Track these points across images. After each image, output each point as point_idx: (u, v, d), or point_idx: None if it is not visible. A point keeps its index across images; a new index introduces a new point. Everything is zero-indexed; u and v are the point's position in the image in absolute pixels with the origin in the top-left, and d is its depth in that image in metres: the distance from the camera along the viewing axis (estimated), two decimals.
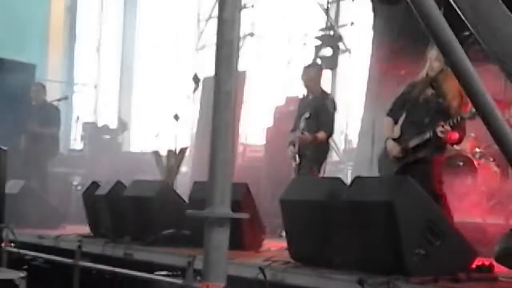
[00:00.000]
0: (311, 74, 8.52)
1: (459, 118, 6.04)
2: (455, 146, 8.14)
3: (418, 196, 4.73)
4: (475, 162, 8.68)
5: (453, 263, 4.67)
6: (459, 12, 2.23)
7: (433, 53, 6.29)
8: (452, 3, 2.26)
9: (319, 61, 12.42)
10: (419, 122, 6.31)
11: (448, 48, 2.45)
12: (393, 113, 6.55)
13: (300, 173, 8.19)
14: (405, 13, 10.07)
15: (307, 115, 8.19)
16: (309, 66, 9.03)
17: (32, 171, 10.53)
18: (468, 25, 2.25)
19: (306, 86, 8.55)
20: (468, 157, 8.75)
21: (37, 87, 11.11)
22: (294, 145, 8.33)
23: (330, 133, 8.33)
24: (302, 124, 8.22)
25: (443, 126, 6.00)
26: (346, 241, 4.90)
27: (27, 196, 9.39)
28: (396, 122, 6.49)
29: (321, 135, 8.13)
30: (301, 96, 8.82)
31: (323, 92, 8.57)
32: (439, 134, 6.03)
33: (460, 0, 2.21)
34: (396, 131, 6.45)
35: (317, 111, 8.16)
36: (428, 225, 4.64)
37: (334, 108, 8.40)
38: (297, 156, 8.27)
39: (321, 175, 8.26)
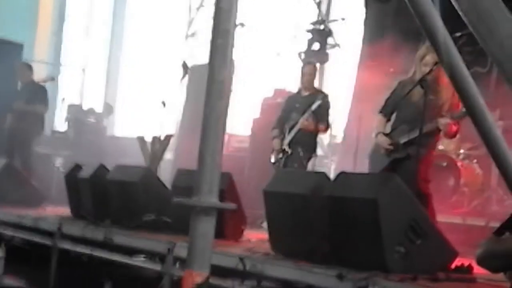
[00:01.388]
0: (308, 72, 8.68)
1: (451, 116, 6.06)
2: (439, 147, 8.18)
3: (402, 194, 4.73)
4: (459, 163, 8.73)
5: (433, 263, 4.69)
6: (458, 11, 2.23)
7: (420, 53, 6.33)
8: (453, 1, 2.25)
9: (310, 54, 12.45)
10: (410, 119, 6.33)
11: (442, 48, 2.45)
12: (385, 111, 6.58)
13: (289, 165, 8.29)
14: (397, 11, 10.10)
15: (314, 107, 8.32)
16: (306, 63, 9.17)
17: (16, 150, 10.47)
18: (468, 25, 2.24)
19: (304, 83, 8.68)
20: (452, 158, 8.80)
21: (23, 67, 11.04)
22: (284, 137, 8.45)
23: (327, 127, 8.68)
24: (306, 115, 8.34)
25: (423, 125, 6.01)
26: (328, 236, 4.89)
27: (9, 175, 9.34)
28: (388, 120, 6.52)
29: (321, 127, 8.46)
30: (290, 90, 8.92)
31: (318, 90, 8.77)
32: (440, 127, 6.07)
33: (461, 0, 2.21)
34: (388, 129, 6.48)
35: (319, 111, 8.33)
36: (410, 224, 4.64)
37: (330, 106, 8.65)
38: (287, 147, 8.39)
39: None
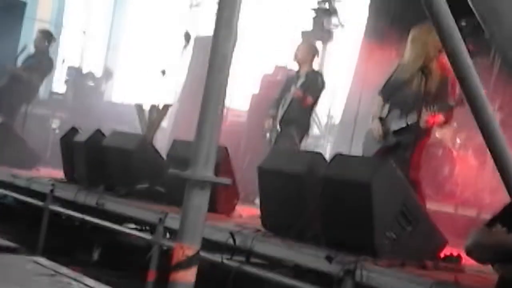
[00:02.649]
0: (305, 52, 8.65)
1: (435, 109, 6.04)
2: (436, 135, 8.17)
3: (396, 180, 4.73)
4: (454, 153, 8.73)
5: (422, 250, 4.70)
6: (469, 2, 2.22)
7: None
8: None
9: (314, 32, 12.41)
10: (404, 105, 6.31)
11: (448, 35, 2.44)
12: (384, 92, 6.54)
13: (280, 144, 8.27)
14: None
15: (301, 80, 8.34)
16: (303, 43, 9.11)
17: (12, 110, 10.43)
18: (476, 14, 2.23)
19: (299, 63, 8.64)
20: (448, 146, 8.79)
21: (43, 35, 10.89)
22: (274, 119, 8.47)
23: (315, 102, 8.57)
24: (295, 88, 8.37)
25: (424, 111, 5.98)
26: (319, 217, 4.90)
27: (4, 134, 9.32)
28: (387, 101, 6.48)
29: (309, 98, 8.37)
30: (291, 68, 8.90)
31: (315, 70, 8.72)
32: (420, 124, 6.03)
33: None
34: (385, 111, 6.45)
35: (308, 83, 8.30)
36: (402, 210, 4.65)
37: (323, 86, 8.60)
38: (278, 126, 8.39)
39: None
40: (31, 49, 10.93)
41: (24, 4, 12.86)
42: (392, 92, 6.46)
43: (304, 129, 8.51)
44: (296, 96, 8.35)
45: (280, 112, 8.47)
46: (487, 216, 4.74)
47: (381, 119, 6.42)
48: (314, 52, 8.79)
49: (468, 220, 7.35)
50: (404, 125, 6.20)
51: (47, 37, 10.82)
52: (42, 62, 10.55)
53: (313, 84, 8.42)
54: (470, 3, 2.23)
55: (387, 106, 6.45)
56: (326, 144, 12.55)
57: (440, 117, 6.13)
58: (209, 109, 2.60)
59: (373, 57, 9.67)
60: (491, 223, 3.35)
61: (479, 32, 2.33)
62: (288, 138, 8.26)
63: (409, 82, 6.31)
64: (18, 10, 12.40)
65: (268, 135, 8.56)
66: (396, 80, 6.46)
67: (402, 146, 6.25)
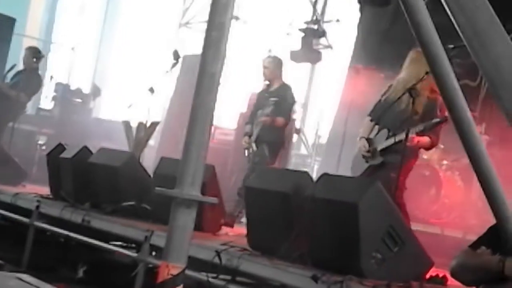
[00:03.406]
0: (271, 66, 8.67)
1: (422, 127, 6.08)
2: (424, 156, 8.20)
3: (382, 201, 4.74)
4: (441, 174, 8.76)
5: (408, 271, 4.70)
6: (455, 25, 2.24)
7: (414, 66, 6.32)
8: (451, 17, 2.26)
9: (302, 53, 12.45)
10: (391, 125, 6.35)
11: (435, 59, 2.46)
12: (374, 114, 6.58)
13: (254, 161, 8.30)
14: (391, 17, 10.12)
15: (273, 100, 8.38)
16: (269, 57, 9.14)
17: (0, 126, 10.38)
18: (463, 39, 2.25)
19: (266, 77, 8.67)
20: (435, 168, 8.82)
21: (31, 53, 10.78)
22: (249, 136, 8.50)
23: (287, 121, 8.64)
24: (267, 110, 8.39)
25: (408, 132, 6.02)
26: (306, 236, 4.90)
27: None
28: (377, 124, 6.52)
29: (279, 120, 8.43)
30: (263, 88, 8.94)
31: (285, 84, 8.74)
32: (404, 141, 6.05)
33: (458, 15, 2.22)
34: (374, 132, 6.48)
35: (278, 103, 8.34)
36: (388, 231, 4.66)
37: (293, 100, 8.74)
38: (254, 145, 8.41)
39: (275, 165, 8.46)
40: (20, 66, 10.88)
41: (13, 20, 12.86)
42: (381, 113, 6.49)
43: (278, 146, 8.58)
44: (265, 122, 8.40)
45: (255, 131, 8.50)
46: (472, 237, 4.75)
47: (368, 139, 6.45)
48: (281, 65, 8.84)
49: (454, 241, 7.37)
50: (390, 143, 6.23)
51: (35, 54, 10.75)
52: (30, 80, 10.49)
53: (283, 103, 8.47)
54: (456, 26, 2.25)
55: (376, 128, 6.49)
56: (313, 163, 12.56)
57: (425, 139, 6.17)
58: (196, 128, 2.60)
59: (361, 78, 9.71)
60: (476, 245, 3.37)
61: (466, 54, 2.36)
62: (262, 157, 8.28)
63: (398, 103, 6.35)
64: (7, 26, 12.40)
65: (246, 152, 8.59)
66: (385, 101, 6.50)
67: (388, 166, 6.28)
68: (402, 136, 6.06)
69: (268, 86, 8.71)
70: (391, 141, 6.26)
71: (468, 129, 2.60)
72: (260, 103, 8.69)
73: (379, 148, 6.36)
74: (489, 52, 2.20)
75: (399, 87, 6.41)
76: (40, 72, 11.03)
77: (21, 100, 10.38)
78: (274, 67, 8.68)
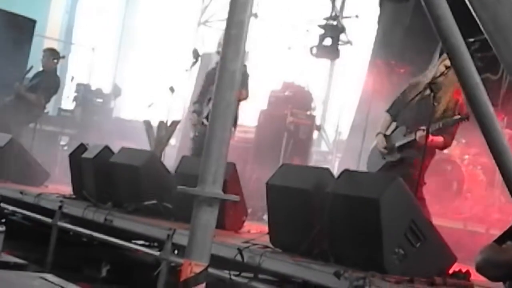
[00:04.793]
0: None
1: (440, 124, 6.06)
2: (445, 151, 8.16)
3: (404, 196, 4.73)
4: (463, 169, 8.72)
5: (431, 266, 4.68)
6: (476, 19, 2.23)
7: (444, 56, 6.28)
8: (473, 12, 2.25)
9: (321, 49, 12.43)
10: (410, 122, 6.33)
11: (456, 53, 2.44)
12: (392, 111, 6.57)
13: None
14: (412, 12, 10.07)
15: None
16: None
17: (20, 127, 10.46)
18: (486, 35, 2.24)
19: (219, 53, 8.59)
20: (457, 162, 8.79)
21: (51, 54, 10.89)
22: (198, 114, 8.45)
23: (245, 95, 8.55)
24: None
25: (423, 131, 6.01)
26: (327, 233, 4.89)
27: (13, 151, 9.33)
28: (394, 120, 6.51)
29: (244, 92, 8.41)
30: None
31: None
32: (417, 139, 6.05)
33: (480, 10, 2.20)
34: (391, 129, 6.47)
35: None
36: (410, 226, 4.64)
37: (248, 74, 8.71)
38: (205, 120, 8.33)
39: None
40: (38, 67, 10.97)
41: (34, 22, 12.94)
42: (400, 110, 6.48)
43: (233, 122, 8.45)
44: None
45: (206, 108, 8.43)
46: (495, 232, 4.72)
47: (385, 136, 6.44)
48: None
49: (477, 236, 7.32)
50: (410, 139, 6.21)
51: (54, 55, 10.85)
52: (49, 81, 10.58)
53: (244, 77, 8.35)
54: (478, 21, 2.24)
55: (393, 124, 6.48)
56: (334, 160, 12.54)
57: (439, 139, 6.15)
58: (218, 126, 2.61)
59: (381, 74, 9.68)
60: (501, 239, 3.34)
61: (487, 48, 2.34)
62: None
63: (418, 99, 6.33)
64: (28, 27, 12.49)
65: (193, 131, 8.53)
66: (406, 97, 6.48)
67: (406, 162, 6.27)
68: (421, 133, 6.05)
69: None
70: (410, 137, 6.24)
71: (490, 124, 2.59)
72: (210, 81, 8.53)
73: (397, 144, 6.35)
74: (511, 46, 2.18)
75: (419, 86, 6.41)
76: (59, 73, 11.12)
77: (40, 102, 10.47)
78: None
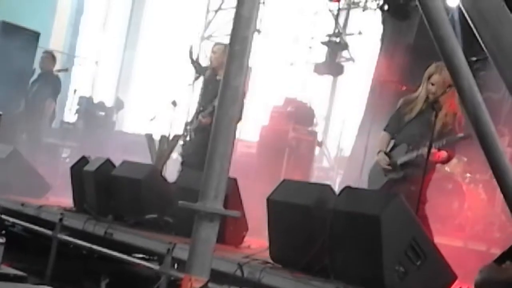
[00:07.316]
0: (219, 52, 8.47)
1: (444, 142, 6.07)
2: (446, 168, 8.17)
3: (405, 214, 4.72)
4: (464, 187, 8.71)
5: (431, 284, 4.68)
6: (480, 41, 2.24)
7: (429, 71, 6.32)
8: (475, 32, 2.26)
9: (324, 66, 12.45)
10: (411, 140, 6.34)
11: (458, 72, 2.45)
12: (390, 129, 6.59)
13: (190, 151, 8.26)
14: (416, 30, 10.09)
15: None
16: (218, 43, 8.99)
17: (24, 138, 10.52)
18: (488, 54, 2.25)
19: (212, 63, 8.56)
20: (458, 181, 8.78)
21: (48, 56, 11.12)
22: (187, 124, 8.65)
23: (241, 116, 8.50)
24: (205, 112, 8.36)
25: (431, 146, 6.02)
26: (328, 249, 4.89)
27: (15, 162, 9.34)
28: (392, 138, 6.53)
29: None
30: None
31: None
32: (425, 155, 6.05)
33: (483, 30, 2.21)
34: (390, 146, 6.48)
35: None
36: (411, 244, 4.64)
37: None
38: (193, 133, 8.48)
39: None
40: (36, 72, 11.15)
41: (38, 34, 12.98)
42: (398, 127, 6.49)
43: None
44: (203, 124, 8.32)
45: (196, 122, 8.51)
46: (497, 250, 4.71)
47: (386, 153, 6.44)
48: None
49: (478, 254, 7.31)
50: (412, 157, 6.22)
51: (52, 58, 11.07)
52: (51, 83, 10.73)
53: None
54: (480, 41, 2.25)
55: (392, 142, 6.49)
56: (336, 176, 12.54)
57: (443, 154, 6.16)
58: (220, 141, 2.61)
59: (384, 91, 9.70)
60: (501, 259, 3.35)
61: (489, 66, 2.35)
62: (197, 146, 8.17)
63: (419, 117, 6.34)
64: (32, 40, 12.50)
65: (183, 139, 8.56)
66: (400, 115, 6.50)
67: (408, 180, 6.27)
68: (424, 150, 6.06)
69: (214, 73, 8.54)
70: (413, 155, 6.25)
71: (491, 143, 2.60)
72: (209, 90, 8.50)
73: (399, 162, 6.35)
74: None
75: (416, 102, 6.42)
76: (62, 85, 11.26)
77: (54, 108, 10.62)
78: (221, 54, 8.36)
